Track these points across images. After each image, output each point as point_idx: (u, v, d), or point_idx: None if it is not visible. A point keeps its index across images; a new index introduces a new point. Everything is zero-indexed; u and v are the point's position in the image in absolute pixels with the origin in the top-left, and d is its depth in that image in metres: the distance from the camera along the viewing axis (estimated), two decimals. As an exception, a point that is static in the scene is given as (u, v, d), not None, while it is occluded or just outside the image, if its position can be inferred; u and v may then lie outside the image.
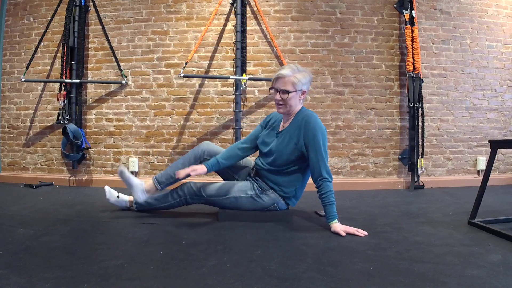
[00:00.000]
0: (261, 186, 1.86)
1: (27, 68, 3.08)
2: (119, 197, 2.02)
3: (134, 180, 1.89)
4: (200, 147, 1.97)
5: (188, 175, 1.79)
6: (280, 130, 1.84)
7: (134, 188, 1.87)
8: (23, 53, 3.27)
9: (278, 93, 1.73)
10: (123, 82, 3.12)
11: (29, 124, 3.28)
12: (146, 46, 3.14)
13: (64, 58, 3.07)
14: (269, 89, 1.82)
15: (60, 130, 3.07)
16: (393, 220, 1.93)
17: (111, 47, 3.11)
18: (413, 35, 2.97)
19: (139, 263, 1.24)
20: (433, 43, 3.17)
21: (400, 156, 3.12)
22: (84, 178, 3.17)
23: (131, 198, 2.01)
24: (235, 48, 3.00)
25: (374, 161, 3.12)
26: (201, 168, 1.81)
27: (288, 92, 1.71)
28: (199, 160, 1.94)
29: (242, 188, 1.85)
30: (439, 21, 3.18)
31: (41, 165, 3.27)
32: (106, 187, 2.04)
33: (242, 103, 3.05)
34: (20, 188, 2.93)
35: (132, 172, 3.12)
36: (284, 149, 1.76)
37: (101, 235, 1.60)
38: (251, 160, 2.04)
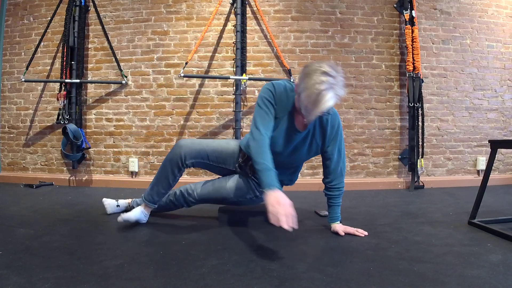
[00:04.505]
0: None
1: (27, 68, 3.08)
2: (119, 205, 1.99)
3: (134, 214, 1.74)
4: (177, 152, 1.66)
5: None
6: (301, 129, 1.56)
7: (139, 219, 1.76)
8: (23, 53, 3.27)
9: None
10: (123, 82, 3.12)
11: (29, 124, 3.28)
12: (146, 46, 3.14)
13: (64, 58, 3.07)
14: (303, 111, 1.41)
15: (60, 130, 3.07)
16: (393, 220, 1.93)
17: (111, 47, 3.11)
18: (413, 35, 2.97)
19: (139, 263, 1.24)
20: (433, 43, 3.17)
21: (400, 156, 3.12)
22: (84, 178, 3.17)
23: (129, 200, 2.01)
24: (235, 48, 3.00)
25: (374, 161, 3.12)
26: (288, 204, 1.27)
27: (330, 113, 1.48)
28: (183, 166, 1.68)
29: (238, 192, 1.71)
30: (439, 21, 3.18)
31: (41, 165, 3.27)
32: (105, 201, 1.98)
33: (242, 103, 3.05)
34: (20, 188, 2.93)
35: (132, 172, 3.13)
36: (307, 150, 1.61)
37: (101, 235, 1.59)
38: (235, 144, 1.78)
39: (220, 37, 3.11)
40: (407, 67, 2.98)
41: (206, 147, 1.71)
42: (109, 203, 1.98)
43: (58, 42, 3.21)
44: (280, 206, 1.24)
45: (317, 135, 1.60)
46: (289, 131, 1.56)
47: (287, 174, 1.76)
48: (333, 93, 1.32)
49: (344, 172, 1.69)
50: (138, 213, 1.76)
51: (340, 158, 1.66)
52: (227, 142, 1.79)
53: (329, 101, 1.32)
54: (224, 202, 1.82)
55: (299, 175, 1.94)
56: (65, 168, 3.24)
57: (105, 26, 3.14)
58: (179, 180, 1.75)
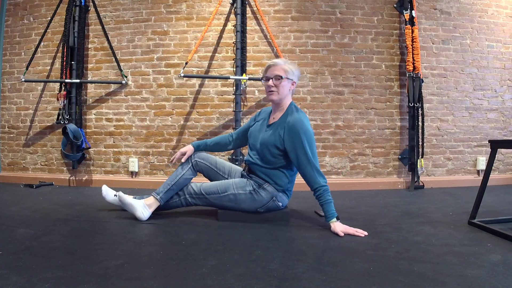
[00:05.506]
0: (257, 181, 1.85)
1: (27, 68, 3.08)
2: (116, 195, 1.99)
3: (132, 200, 1.87)
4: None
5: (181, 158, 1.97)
6: (270, 123, 1.89)
7: (135, 207, 1.84)
8: (23, 53, 3.27)
9: (271, 80, 1.80)
10: (123, 82, 3.12)
11: (29, 124, 3.28)
12: (146, 46, 3.14)
13: (64, 58, 3.07)
14: (261, 79, 1.88)
15: (60, 130, 3.07)
16: (393, 220, 1.93)
17: (111, 47, 3.11)
18: (413, 35, 2.97)
19: (139, 263, 1.24)
20: (433, 43, 3.17)
21: (400, 156, 3.12)
22: (84, 178, 3.17)
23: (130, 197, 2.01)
24: (235, 48, 3.00)
25: (374, 161, 3.12)
26: (189, 148, 1.99)
27: (281, 77, 1.78)
28: (191, 162, 1.95)
29: (239, 184, 1.87)
30: (439, 21, 3.18)
31: (41, 165, 3.27)
32: (104, 186, 2.05)
33: (242, 103, 3.05)
34: (20, 188, 2.93)
35: (132, 172, 3.13)
36: (271, 141, 1.80)
37: (101, 235, 1.60)
38: (241, 169, 2.06)
39: (220, 37, 3.11)
40: (407, 67, 2.98)
41: (216, 158, 2.06)
42: (107, 190, 2.03)
43: (58, 42, 3.21)
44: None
45: (279, 128, 1.80)
46: (261, 126, 1.94)
47: (267, 172, 1.84)
48: (281, 60, 1.83)
49: (316, 172, 1.71)
50: (137, 202, 1.85)
51: (309, 161, 1.71)
52: (236, 165, 2.12)
53: (273, 60, 1.84)
54: (225, 199, 1.86)
55: (296, 178, 1.95)
56: (65, 168, 3.24)
57: (105, 26, 3.14)
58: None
